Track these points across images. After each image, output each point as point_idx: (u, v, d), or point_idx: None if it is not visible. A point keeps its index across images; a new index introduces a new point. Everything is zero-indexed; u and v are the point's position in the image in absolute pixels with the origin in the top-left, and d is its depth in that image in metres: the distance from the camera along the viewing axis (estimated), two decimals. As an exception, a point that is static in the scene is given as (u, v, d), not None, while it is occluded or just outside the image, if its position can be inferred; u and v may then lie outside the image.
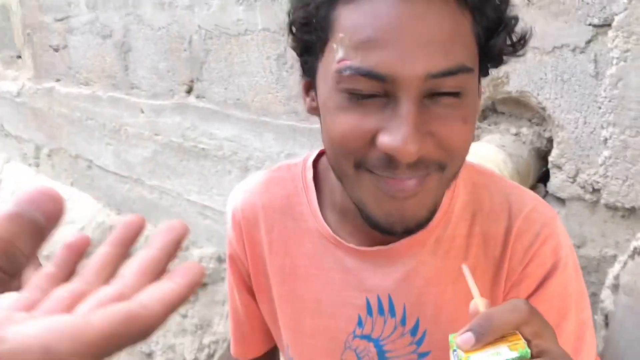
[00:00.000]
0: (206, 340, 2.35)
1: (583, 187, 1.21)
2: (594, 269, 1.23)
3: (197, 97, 2.16)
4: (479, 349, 0.48)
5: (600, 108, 1.14)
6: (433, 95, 0.58)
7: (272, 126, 1.92)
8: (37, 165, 3.37)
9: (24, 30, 3.01)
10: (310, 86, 0.70)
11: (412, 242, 0.74)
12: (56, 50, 2.81)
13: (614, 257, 1.18)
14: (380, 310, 0.77)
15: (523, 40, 0.63)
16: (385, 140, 0.57)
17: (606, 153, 1.15)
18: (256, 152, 2.01)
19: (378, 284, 0.76)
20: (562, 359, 0.50)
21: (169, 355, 2.51)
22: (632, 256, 1.00)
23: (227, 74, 1.99)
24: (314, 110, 0.69)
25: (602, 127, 1.15)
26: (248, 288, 0.90)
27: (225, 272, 2.35)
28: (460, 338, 0.49)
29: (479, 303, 0.53)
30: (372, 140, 0.59)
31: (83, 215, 2.86)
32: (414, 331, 0.77)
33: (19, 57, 3.23)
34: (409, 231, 0.64)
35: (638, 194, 1.12)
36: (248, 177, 0.89)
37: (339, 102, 0.60)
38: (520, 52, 0.64)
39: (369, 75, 0.56)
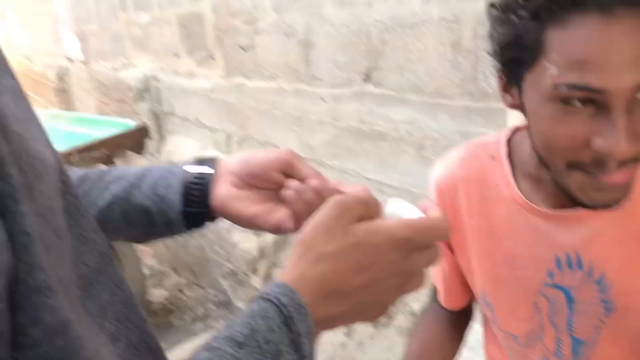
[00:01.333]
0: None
1: None
2: None
3: (375, 84, 2.36)
4: None
5: None
6: (637, 100, 0.69)
7: (447, 107, 2.05)
8: (229, 152, 3.81)
9: (216, 33, 3.42)
10: (509, 85, 0.83)
11: None
12: (245, 50, 3.18)
13: None
14: (569, 264, 0.90)
15: None
16: (601, 143, 0.70)
17: None
18: (431, 132, 2.16)
19: (567, 243, 0.89)
20: None
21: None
22: None
23: (403, 62, 2.17)
24: (514, 106, 0.83)
25: None
26: (449, 246, 1.06)
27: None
28: None
29: None
30: (584, 144, 0.72)
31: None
32: (599, 281, 0.89)
33: (211, 57, 3.66)
34: (608, 207, 0.78)
35: None
36: (446, 154, 1.06)
37: (553, 112, 0.72)
38: None
39: (585, 89, 0.68)
